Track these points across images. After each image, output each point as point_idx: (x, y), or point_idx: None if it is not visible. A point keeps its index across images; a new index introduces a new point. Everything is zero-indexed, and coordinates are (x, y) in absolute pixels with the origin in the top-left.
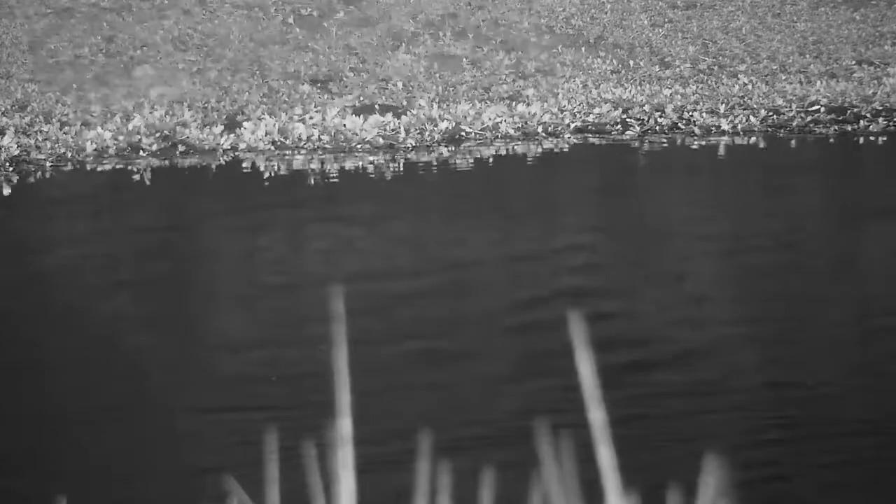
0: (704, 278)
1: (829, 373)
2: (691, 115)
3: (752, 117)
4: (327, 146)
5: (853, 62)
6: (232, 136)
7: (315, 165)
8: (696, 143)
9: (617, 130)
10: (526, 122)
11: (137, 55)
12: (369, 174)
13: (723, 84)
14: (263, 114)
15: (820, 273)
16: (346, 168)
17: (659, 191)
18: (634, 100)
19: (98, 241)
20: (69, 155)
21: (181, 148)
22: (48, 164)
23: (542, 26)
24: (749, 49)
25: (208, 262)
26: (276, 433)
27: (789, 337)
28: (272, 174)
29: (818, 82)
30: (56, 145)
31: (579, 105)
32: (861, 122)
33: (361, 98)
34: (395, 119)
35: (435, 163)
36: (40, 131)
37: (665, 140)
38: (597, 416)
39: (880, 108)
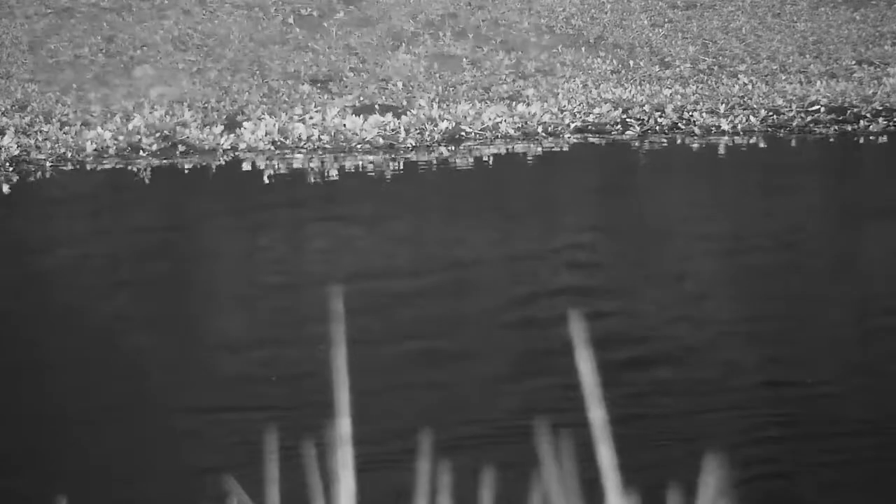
0: (704, 278)
1: (828, 372)
2: (691, 115)
3: (752, 117)
4: (327, 146)
5: (853, 62)
6: (232, 136)
7: (315, 165)
8: (696, 143)
9: (617, 130)
10: (526, 122)
11: (137, 55)
12: (369, 174)
13: (723, 84)
14: (263, 114)
15: (819, 273)
16: (346, 168)
17: (659, 191)
18: (634, 100)
19: (98, 241)
20: (69, 155)
21: (181, 148)
22: (48, 164)
23: (542, 26)
24: (749, 49)
25: (208, 262)
26: (276, 433)
27: (789, 336)
28: (272, 174)
29: (818, 82)
30: (56, 145)
31: (579, 105)
32: (861, 122)
33: (361, 98)
34: (395, 119)
35: (435, 163)
36: (40, 131)
37: (665, 140)
38: (597, 415)
39: (880, 108)
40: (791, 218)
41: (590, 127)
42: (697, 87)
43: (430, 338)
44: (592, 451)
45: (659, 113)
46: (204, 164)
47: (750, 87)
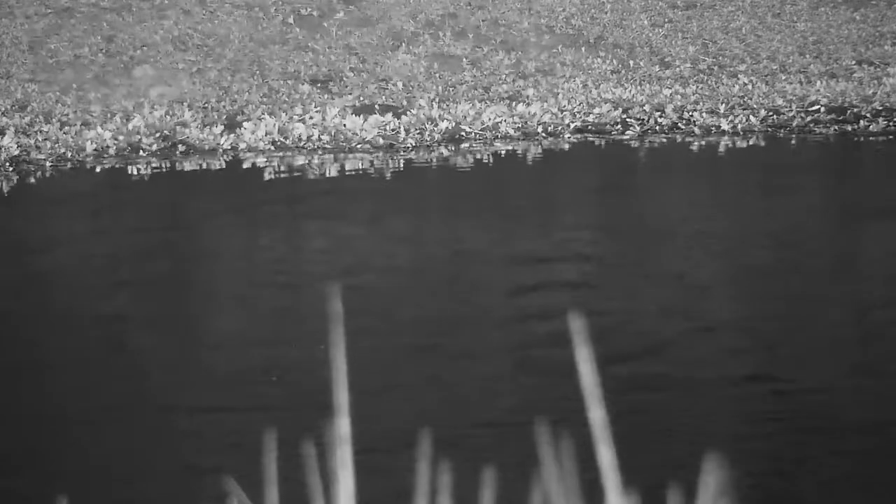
0: (704, 277)
1: (828, 372)
2: (691, 115)
3: (752, 117)
4: (327, 146)
5: (853, 62)
6: (232, 136)
7: (315, 165)
8: (696, 143)
9: (617, 130)
10: (526, 122)
11: (137, 55)
12: (369, 174)
13: (723, 84)
14: (263, 114)
15: (818, 272)
16: (346, 168)
17: (658, 190)
18: (634, 100)
19: (98, 241)
20: (69, 155)
21: (181, 148)
22: (48, 164)
23: (542, 26)
24: (749, 49)
25: (208, 262)
26: (275, 433)
27: (788, 336)
28: (272, 174)
29: (818, 82)
30: (56, 145)
31: (579, 105)
32: (861, 122)
33: (361, 98)
34: (395, 119)
35: (435, 163)
36: (40, 131)
37: (665, 140)
38: (597, 414)
39: (880, 108)
40: (790, 218)
41: (590, 127)
42: (697, 87)
43: (430, 337)
44: (592, 450)
45: (659, 113)
46: (204, 164)
47: (750, 87)
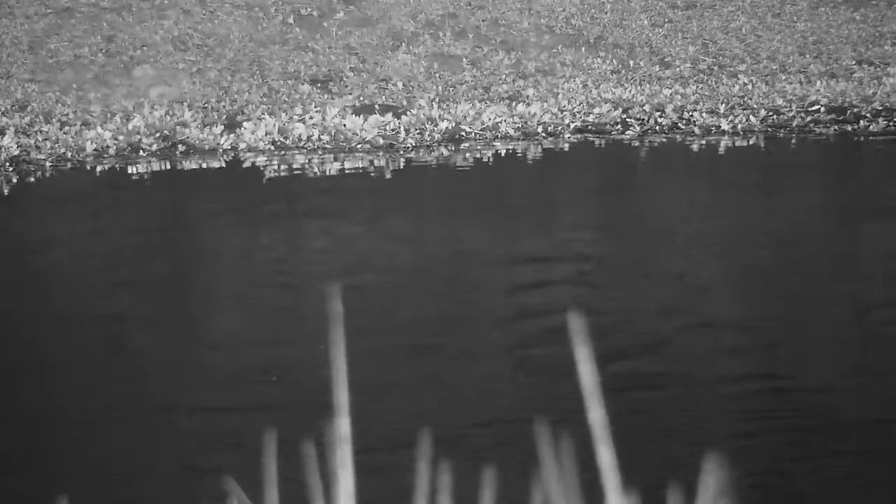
0: (704, 277)
1: (828, 371)
2: (691, 115)
3: (752, 117)
4: (327, 146)
5: (853, 62)
6: (232, 136)
7: (315, 165)
8: (696, 143)
9: (617, 130)
10: (526, 122)
11: (137, 55)
12: (369, 174)
13: (723, 84)
14: (263, 114)
15: (819, 272)
16: (346, 168)
17: (658, 190)
18: (634, 100)
19: (98, 241)
20: (69, 155)
21: (181, 148)
22: (48, 164)
23: (542, 26)
24: (749, 49)
25: (208, 262)
26: (275, 433)
27: (788, 335)
28: (272, 174)
29: (818, 82)
30: (56, 145)
31: (579, 105)
32: (861, 122)
33: (361, 98)
34: (395, 119)
35: (435, 163)
36: (40, 131)
37: (665, 140)
38: (596, 414)
39: (880, 108)
40: (790, 218)
41: (590, 127)
42: (697, 87)
43: (430, 337)
44: (592, 450)
45: (659, 113)
46: (204, 164)
47: (750, 87)
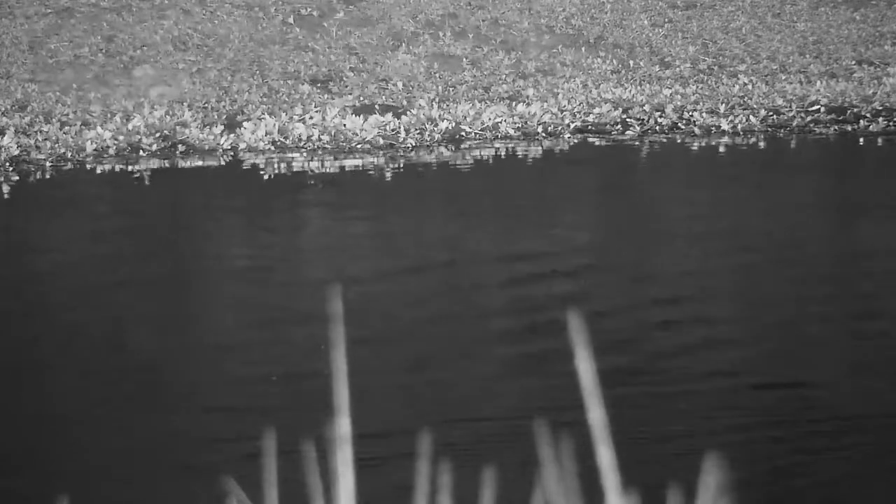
0: (703, 277)
1: (828, 371)
2: (691, 115)
3: (752, 117)
4: (327, 146)
5: (853, 62)
6: (232, 136)
7: (315, 165)
8: (696, 143)
9: (617, 130)
10: (526, 122)
11: (137, 55)
12: (369, 174)
13: (723, 84)
14: (263, 114)
15: (818, 272)
16: (346, 168)
17: (658, 190)
18: (634, 100)
19: (98, 241)
20: (69, 155)
21: (181, 148)
22: (48, 164)
23: (542, 26)
24: (749, 49)
25: (208, 262)
26: (275, 433)
27: (788, 335)
28: (272, 174)
29: (818, 82)
30: (56, 145)
31: (579, 105)
32: (861, 122)
33: (361, 98)
34: (395, 119)
35: (435, 163)
36: (40, 131)
37: (665, 140)
38: (596, 414)
39: (880, 108)
40: (790, 217)
41: (590, 127)
42: (697, 87)
43: (430, 336)
44: (592, 450)
45: (659, 113)
46: (204, 164)
47: (750, 87)
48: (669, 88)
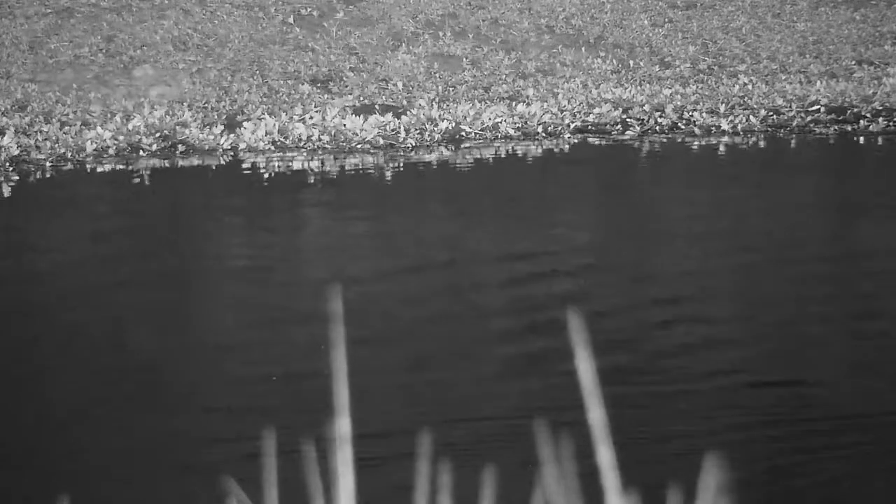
0: (703, 277)
1: (828, 370)
2: (691, 115)
3: (752, 117)
4: (327, 146)
5: (853, 62)
6: (232, 136)
7: (315, 165)
8: (696, 143)
9: (617, 130)
10: (526, 122)
11: (137, 55)
12: (369, 174)
13: (723, 84)
14: (263, 114)
15: (818, 272)
16: (346, 168)
17: (658, 190)
18: (634, 100)
19: (98, 241)
20: (69, 155)
21: (181, 148)
22: (48, 164)
23: (542, 26)
24: (749, 49)
25: (208, 262)
26: (275, 433)
27: (788, 335)
28: (272, 174)
29: (818, 82)
30: (56, 145)
31: (579, 105)
32: (861, 122)
33: (361, 98)
34: (395, 119)
35: (435, 163)
36: (40, 131)
37: (665, 140)
38: (596, 415)
39: (880, 108)
40: (789, 217)
41: (590, 127)
42: (697, 87)
43: (430, 336)
44: (592, 450)
45: (659, 113)
46: (204, 164)
47: (750, 87)
48: (669, 88)
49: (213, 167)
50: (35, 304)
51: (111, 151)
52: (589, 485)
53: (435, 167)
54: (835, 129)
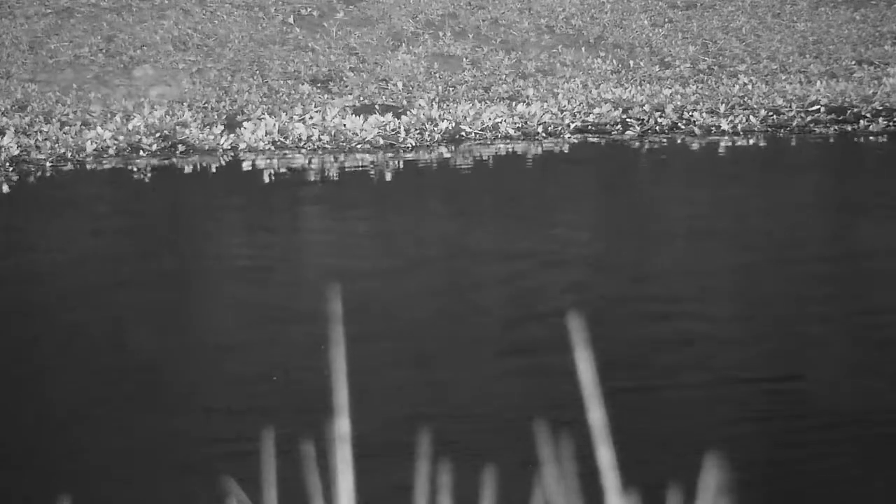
0: (702, 277)
1: (828, 370)
2: (691, 115)
3: (752, 117)
4: (327, 146)
5: (853, 62)
6: (232, 136)
7: (315, 165)
8: (696, 143)
9: (617, 130)
10: (526, 122)
11: (137, 55)
12: (369, 174)
13: (723, 84)
14: (263, 114)
15: (817, 271)
16: (346, 168)
17: (658, 190)
18: (634, 100)
19: (98, 241)
20: (69, 155)
21: (181, 148)
22: (48, 164)
23: (542, 26)
24: (749, 49)
25: (208, 262)
26: (275, 433)
27: (788, 334)
28: (272, 174)
29: (818, 82)
30: (56, 145)
31: (579, 105)
32: (861, 122)
33: (361, 98)
34: (395, 119)
35: (435, 163)
36: (40, 131)
37: (665, 140)
38: (596, 415)
39: (880, 108)
40: (789, 217)
41: (590, 127)
42: (697, 87)
43: (430, 336)
44: (592, 450)
45: (659, 113)
46: (204, 164)
47: (750, 87)
48: (669, 88)
49: (214, 167)
50: (35, 304)
51: (111, 151)
52: (589, 485)
53: (435, 167)
54: (835, 129)
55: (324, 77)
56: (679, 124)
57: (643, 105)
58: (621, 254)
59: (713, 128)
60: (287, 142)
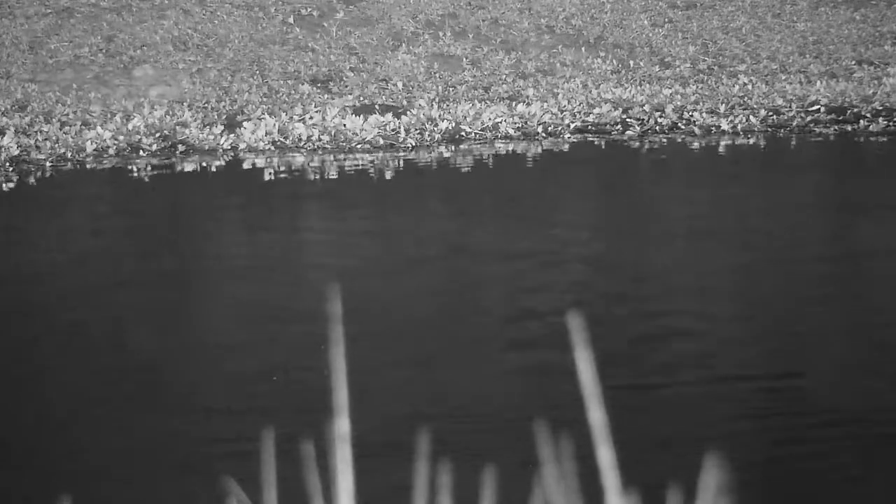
0: (702, 276)
1: (828, 370)
2: (691, 115)
3: (752, 117)
4: (327, 146)
5: (853, 62)
6: (232, 136)
7: (315, 165)
8: (696, 143)
9: (617, 130)
10: (526, 122)
11: (137, 55)
12: (369, 174)
13: (723, 84)
14: (263, 114)
15: (816, 271)
16: (346, 168)
17: (658, 190)
18: (634, 100)
19: (98, 241)
20: (69, 155)
21: (181, 148)
22: (48, 164)
23: (542, 26)
24: (749, 49)
25: (208, 262)
26: (275, 433)
27: (787, 334)
28: (272, 174)
29: (818, 82)
30: (56, 145)
31: (579, 105)
32: (861, 122)
33: (361, 98)
34: (395, 119)
35: (435, 163)
36: (40, 131)
37: (665, 140)
38: (596, 415)
39: (880, 108)
40: (789, 217)
41: (590, 127)
42: (697, 87)
43: (429, 337)
44: (592, 450)
45: (659, 113)
46: (204, 163)
47: (750, 87)
48: (669, 88)
49: (213, 167)
50: (35, 304)
51: (111, 151)
52: (589, 485)
53: (435, 167)
54: (835, 129)
55: (324, 77)
56: (679, 124)
57: (643, 105)
58: (621, 253)
59: (713, 128)
60: (287, 142)
